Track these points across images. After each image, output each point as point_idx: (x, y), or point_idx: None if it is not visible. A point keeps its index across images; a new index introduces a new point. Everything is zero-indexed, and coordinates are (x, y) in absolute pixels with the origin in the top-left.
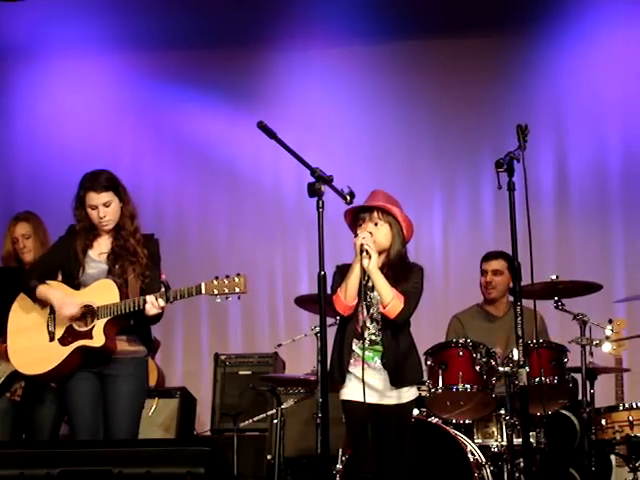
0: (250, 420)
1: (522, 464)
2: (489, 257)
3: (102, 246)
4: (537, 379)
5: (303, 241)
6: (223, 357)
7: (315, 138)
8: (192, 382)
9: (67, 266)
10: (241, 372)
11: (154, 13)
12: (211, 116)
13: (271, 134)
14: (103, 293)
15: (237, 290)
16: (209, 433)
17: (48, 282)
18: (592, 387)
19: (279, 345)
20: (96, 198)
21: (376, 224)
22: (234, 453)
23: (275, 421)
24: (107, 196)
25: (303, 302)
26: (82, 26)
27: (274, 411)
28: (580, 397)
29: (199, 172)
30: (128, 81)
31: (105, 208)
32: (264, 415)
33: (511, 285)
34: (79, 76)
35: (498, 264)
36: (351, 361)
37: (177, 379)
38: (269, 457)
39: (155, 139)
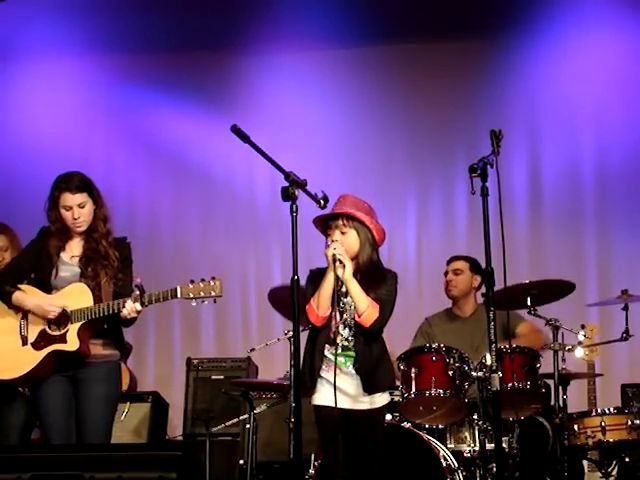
0: (222, 425)
1: (495, 469)
2: (451, 259)
3: (74, 249)
4: (510, 384)
5: (276, 245)
6: (195, 361)
7: (289, 142)
8: (164, 386)
9: (40, 269)
10: (213, 377)
11: (126, 16)
12: (184, 119)
13: (245, 138)
14: (76, 297)
15: (213, 294)
16: (181, 438)
17: (21, 287)
18: (565, 392)
19: (252, 350)
20: (71, 199)
21: (343, 232)
22: (206, 458)
23: (247, 426)
24: (81, 197)
25: (276, 297)
26: (55, 28)
27: (246, 416)
28: (553, 402)
29: (172, 175)
30: (101, 84)
31: (79, 209)
32: (236, 420)
33: (475, 285)
34: (52, 78)
35: (459, 264)
36: (323, 366)
37: (149, 383)
38: (241, 462)
39: (128, 142)
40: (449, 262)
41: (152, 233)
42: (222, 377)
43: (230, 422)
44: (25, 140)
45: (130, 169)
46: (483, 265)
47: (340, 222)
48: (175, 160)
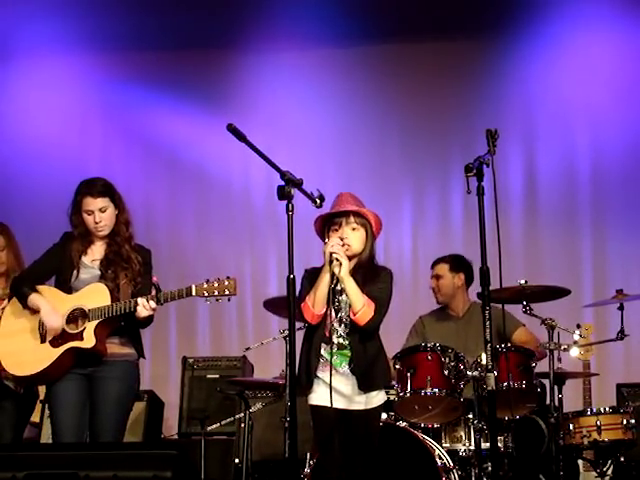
0: (218, 424)
1: (490, 468)
2: (433, 263)
3: (95, 253)
4: (505, 383)
5: (272, 244)
6: (191, 360)
7: (284, 141)
8: (160, 385)
9: (61, 272)
10: (209, 375)
11: (123, 14)
12: (180, 118)
13: (241, 137)
14: (94, 296)
15: (227, 292)
16: (176, 437)
17: (40, 287)
18: (560, 392)
19: (247, 349)
20: (92, 203)
21: (353, 228)
22: (201, 457)
23: (243, 425)
24: (103, 202)
25: (271, 305)
26: (51, 27)
27: (242, 415)
28: (548, 402)
29: (168, 174)
30: (97, 82)
31: (101, 214)
32: (232, 419)
33: (459, 284)
34: (48, 77)
35: (439, 269)
36: (319, 366)
37: (145, 382)
38: (236, 461)
39: (124, 141)
40: (432, 266)
41: (148, 232)
42: (217, 376)
43: (225, 421)
44: (21, 138)
45: (126, 168)
46: (479, 262)
47: (352, 219)
48: (171, 159)
